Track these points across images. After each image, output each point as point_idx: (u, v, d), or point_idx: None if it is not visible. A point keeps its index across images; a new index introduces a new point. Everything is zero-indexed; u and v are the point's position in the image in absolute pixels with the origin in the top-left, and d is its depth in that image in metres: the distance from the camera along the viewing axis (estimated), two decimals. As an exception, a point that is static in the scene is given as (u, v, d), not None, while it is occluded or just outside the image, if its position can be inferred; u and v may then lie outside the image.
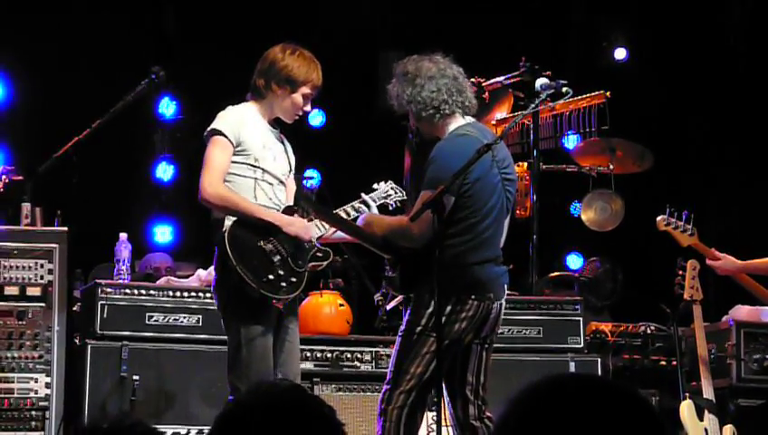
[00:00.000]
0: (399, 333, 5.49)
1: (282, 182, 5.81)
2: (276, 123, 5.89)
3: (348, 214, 5.89)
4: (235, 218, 5.59)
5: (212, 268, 6.76)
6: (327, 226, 5.80)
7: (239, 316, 5.56)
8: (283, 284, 5.60)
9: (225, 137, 5.63)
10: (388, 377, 5.48)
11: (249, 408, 2.37)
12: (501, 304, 5.52)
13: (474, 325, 5.41)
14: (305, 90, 5.78)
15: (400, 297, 5.93)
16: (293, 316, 5.81)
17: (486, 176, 5.41)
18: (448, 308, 5.33)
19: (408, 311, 5.49)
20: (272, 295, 5.55)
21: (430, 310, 5.31)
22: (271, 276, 5.56)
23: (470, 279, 5.40)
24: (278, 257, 5.61)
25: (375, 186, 6.10)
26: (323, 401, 2.45)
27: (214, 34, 10.04)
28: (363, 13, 10.19)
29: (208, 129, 5.70)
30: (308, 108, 5.88)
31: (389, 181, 6.15)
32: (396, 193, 6.11)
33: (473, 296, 5.38)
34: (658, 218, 6.52)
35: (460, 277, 5.37)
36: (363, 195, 5.98)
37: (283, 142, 5.90)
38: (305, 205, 5.69)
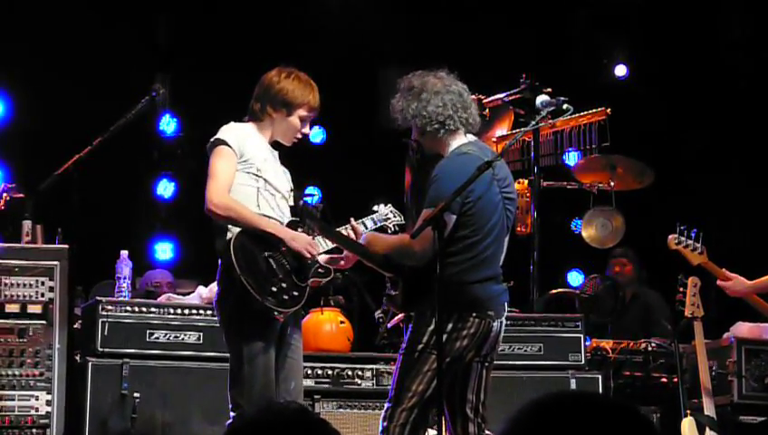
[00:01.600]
0: (401, 351, 5.49)
1: (284, 196, 5.82)
2: (275, 146, 5.90)
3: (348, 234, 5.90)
4: (239, 232, 5.59)
5: (213, 285, 6.77)
6: (329, 242, 5.80)
7: (241, 332, 5.56)
8: (286, 297, 5.60)
9: (230, 147, 5.65)
10: (390, 395, 5.47)
11: (257, 427, 2.36)
12: (501, 323, 5.52)
13: (475, 343, 5.40)
14: (302, 112, 5.80)
15: (401, 315, 5.93)
16: (297, 333, 5.80)
17: (487, 194, 5.41)
18: (449, 326, 5.33)
19: (410, 329, 5.48)
20: (275, 308, 5.55)
21: (431, 328, 5.31)
22: (274, 289, 5.56)
23: (471, 297, 5.40)
24: (282, 270, 5.62)
25: (375, 208, 6.11)
26: (329, 424, 2.44)
27: (212, 52, 10.05)
28: (363, 30, 10.21)
29: (212, 139, 5.71)
30: (306, 130, 5.89)
31: (389, 205, 6.15)
32: (395, 217, 6.12)
33: (474, 314, 5.37)
34: (670, 237, 6.53)
35: (461, 295, 5.36)
36: (365, 219, 5.99)
37: (280, 165, 5.91)
38: (309, 221, 5.69)
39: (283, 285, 5.60)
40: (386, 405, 5.47)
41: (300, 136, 5.88)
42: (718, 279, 6.59)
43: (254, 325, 5.54)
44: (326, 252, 5.86)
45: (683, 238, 6.54)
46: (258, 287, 5.50)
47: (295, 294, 5.64)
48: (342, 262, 5.89)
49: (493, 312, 5.44)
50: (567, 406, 2.11)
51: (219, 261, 5.69)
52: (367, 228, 5.92)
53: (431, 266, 5.20)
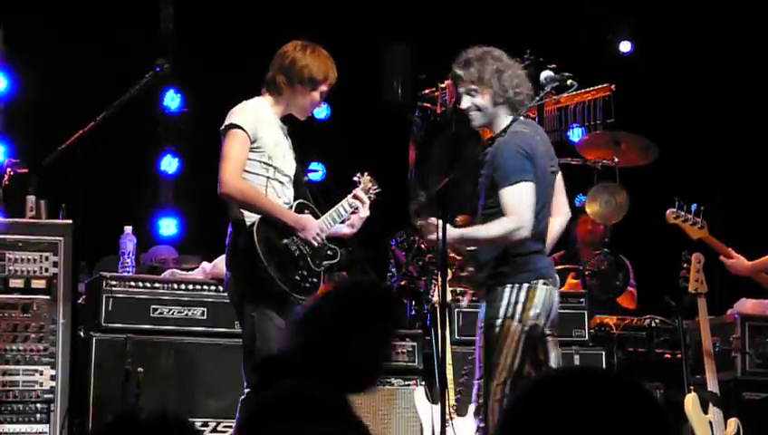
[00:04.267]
0: (479, 328, 5.56)
1: (291, 180, 5.84)
2: (284, 119, 5.90)
3: (346, 210, 5.92)
4: (257, 218, 5.60)
5: (217, 260, 6.77)
6: (334, 222, 5.84)
7: (257, 308, 5.57)
8: (307, 284, 5.66)
9: (244, 131, 5.64)
10: (477, 373, 5.51)
11: (273, 410, 2.37)
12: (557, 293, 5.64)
13: (545, 311, 5.47)
14: (323, 87, 5.85)
15: (469, 294, 6.02)
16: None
17: (544, 168, 5.56)
18: (522, 296, 5.42)
19: (484, 306, 5.55)
20: (298, 296, 5.59)
21: (505, 301, 5.40)
22: (297, 277, 5.63)
23: (535, 266, 5.50)
24: (301, 257, 5.67)
25: (356, 178, 6.10)
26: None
27: (217, 27, 10.03)
28: (367, 5, 10.18)
29: (226, 123, 5.70)
30: (323, 105, 5.96)
31: (365, 173, 6.15)
32: (373, 185, 6.13)
33: (542, 281, 5.47)
34: (668, 212, 6.51)
35: (529, 264, 5.48)
36: (356, 190, 5.99)
37: (288, 139, 5.92)
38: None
39: (304, 272, 5.67)
40: (475, 383, 5.53)
41: (315, 110, 5.94)
42: (720, 255, 6.58)
43: (269, 303, 5.56)
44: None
45: (682, 213, 6.52)
46: (283, 277, 5.54)
47: (315, 280, 5.71)
48: (347, 230, 5.95)
49: (553, 278, 5.57)
50: (575, 381, 2.11)
51: (230, 240, 5.68)
52: (363, 203, 5.95)
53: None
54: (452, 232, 5.38)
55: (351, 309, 3.51)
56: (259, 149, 5.67)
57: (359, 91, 9.99)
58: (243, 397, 5.55)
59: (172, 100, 10.30)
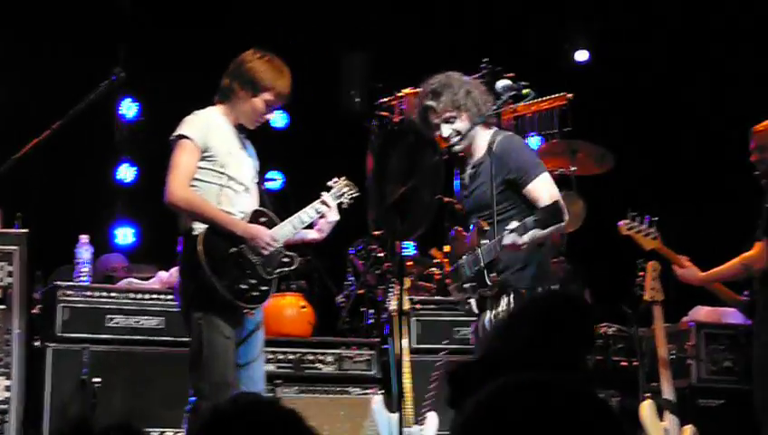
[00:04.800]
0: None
1: (247, 189, 5.79)
2: (242, 127, 5.86)
3: (310, 216, 5.88)
4: (204, 230, 5.55)
5: (174, 270, 6.75)
6: (291, 230, 5.78)
7: (203, 316, 5.53)
8: (255, 293, 5.60)
9: (192, 141, 5.61)
10: None
11: (230, 420, 2.35)
12: None
13: None
14: (267, 96, 5.74)
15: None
16: (259, 318, 5.79)
17: None
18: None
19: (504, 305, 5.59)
20: (245, 305, 5.55)
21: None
22: (244, 286, 5.56)
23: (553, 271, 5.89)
24: (249, 266, 5.60)
25: (330, 184, 6.08)
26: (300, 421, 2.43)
27: (175, 36, 10.00)
28: (325, 13, 10.18)
29: (174, 133, 5.67)
30: (270, 117, 5.87)
31: (343, 177, 6.13)
32: (350, 189, 6.10)
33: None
34: (620, 223, 6.51)
35: (551, 269, 5.88)
36: (324, 194, 5.96)
37: (246, 147, 5.88)
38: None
39: (252, 281, 5.59)
40: None
41: (262, 121, 5.85)
42: (673, 264, 6.62)
43: (216, 312, 5.52)
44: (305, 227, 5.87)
45: (634, 224, 6.52)
46: (228, 288, 5.49)
47: (264, 289, 5.65)
48: (315, 235, 5.90)
49: None
50: (529, 390, 2.12)
51: (181, 249, 5.65)
52: (330, 207, 5.91)
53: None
54: (522, 238, 5.36)
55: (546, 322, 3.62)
56: (211, 157, 5.64)
57: (317, 99, 10.00)
58: (188, 406, 5.51)
59: (129, 108, 10.25)
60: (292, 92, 5.88)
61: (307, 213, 5.87)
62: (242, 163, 5.77)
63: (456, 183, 5.93)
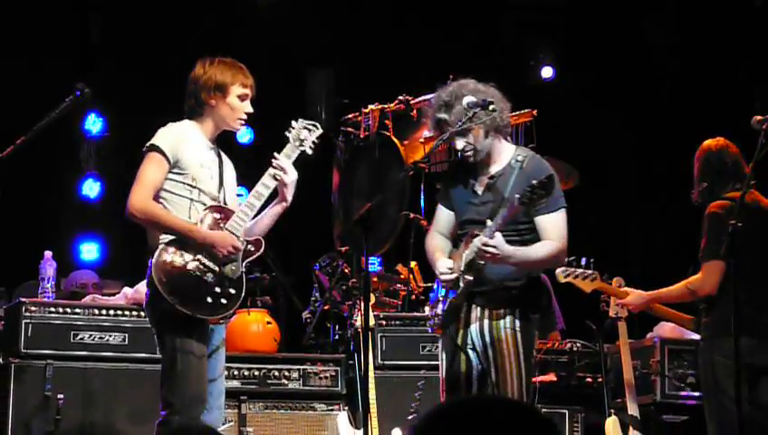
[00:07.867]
0: (480, 345, 5.62)
1: (221, 202, 5.72)
2: (215, 141, 5.82)
3: (266, 186, 5.69)
4: (163, 245, 5.50)
5: (139, 285, 6.72)
6: (246, 220, 5.66)
7: (174, 330, 5.47)
8: (224, 301, 5.51)
9: (163, 154, 5.57)
10: None
11: None
12: None
13: None
14: (237, 90, 5.72)
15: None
16: (220, 335, 5.74)
17: None
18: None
19: (486, 323, 5.56)
20: (215, 316, 5.48)
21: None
22: (209, 299, 5.46)
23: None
24: (211, 274, 5.50)
25: (287, 132, 5.91)
26: None
27: (139, 52, 9.98)
28: (291, 29, 10.19)
29: (147, 144, 5.63)
30: (249, 109, 5.80)
31: (300, 120, 5.97)
32: (311, 130, 5.90)
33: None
34: (557, 271, 6.37)
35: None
36: (275, 155, 5.80)
37: (222, 160, 5.83)
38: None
39: (217, 290, 5.49)
40: None
41: (244, 117, 5.80)
42: (615, 299, 6.62)
43: (186, 326, 5.46)
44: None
45: (571, 269, 6.45)
46: (192, 305, 5.41)
47: (232, 292, 5.53)
48: (280, 208, 5.74)
49: None
50: (470, 410, 2.14)
51: (150, 262, 5.59)
52: (291, 157, 5.79)
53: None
54: (506, 249, 5.30)
55: None
56: (182, 170, 5.60)
57: (282, 115, 9.98)
58: (159, 420, 5.47)
59: (93, 123, 10.23)
60: (257, 108, 5.85)
61: (264, 184, 5.73)
62: (213, 176, 5.73)
63: (458, 193, 5.74)
